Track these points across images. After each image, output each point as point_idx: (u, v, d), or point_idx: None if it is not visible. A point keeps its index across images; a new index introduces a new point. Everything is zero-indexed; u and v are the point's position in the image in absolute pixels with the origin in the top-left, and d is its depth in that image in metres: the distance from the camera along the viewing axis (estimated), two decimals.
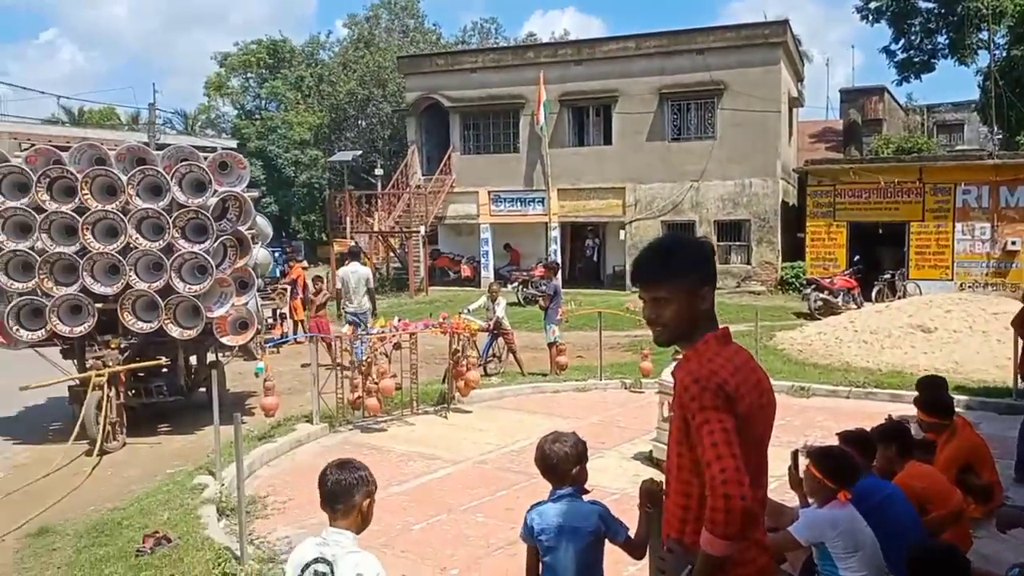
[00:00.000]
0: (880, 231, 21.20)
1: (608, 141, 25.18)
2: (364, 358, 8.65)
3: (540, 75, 24.52)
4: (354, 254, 13.38)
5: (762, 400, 2.33)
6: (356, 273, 12.16)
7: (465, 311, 10.88)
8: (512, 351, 11.84)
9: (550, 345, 11.71)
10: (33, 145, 9.47)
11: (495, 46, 36.75)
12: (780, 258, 23.13)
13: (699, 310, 2.38)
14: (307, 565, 2.68)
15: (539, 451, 3.09)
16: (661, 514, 2.61)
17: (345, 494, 2.72)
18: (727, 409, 2.16)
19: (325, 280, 14.83)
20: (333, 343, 9.42)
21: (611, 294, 21.79)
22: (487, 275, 25.08)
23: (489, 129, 26.68)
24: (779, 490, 4.50)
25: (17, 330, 8.52)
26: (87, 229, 8.44)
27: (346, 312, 12.19)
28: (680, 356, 2.50)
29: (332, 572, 2.62)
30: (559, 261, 19.73)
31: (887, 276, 19.64)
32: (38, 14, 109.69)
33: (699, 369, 2.25)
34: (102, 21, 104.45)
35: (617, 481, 6.48)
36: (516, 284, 21.91)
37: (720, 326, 2.41)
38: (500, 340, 11.88)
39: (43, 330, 8.52)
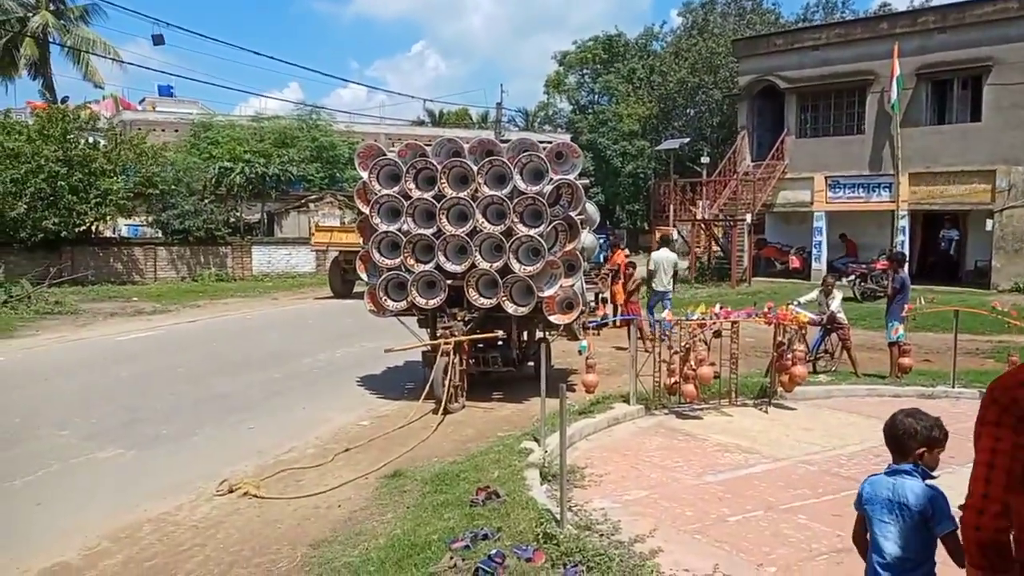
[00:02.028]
0: None
1: (976, 117, 21.93)
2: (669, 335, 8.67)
3: (894, 47, 22.08)
4: (666, 241, 15.39)
5: None
6: (667, 258, 13.73)
7: (795, 303, 10.24)
8: (847, 348, 10.88)
9: (892, 344, 10.53)
10: (404, 143, 10.86)
11: (841, 20, 33.86)
12: None
13: None
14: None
15: (890, 419, 3.00)
16: None
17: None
18: (1012, 426, 1.87)
19: (636, 266, 15.23)
20: (650, 327, 9.49)
21: (971, 292, 18.98)
22: (819, 267, 23.39)
23: (830, 110, 24.75)
24: None
25: (385, 300, 9.88)
26: (443, 214, 9.50)
27: (653, 291, 13.63)
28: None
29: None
30: (906, 253, 17.67)
31: None
32: (411, 30, 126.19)
33: (1008, 379, 1.96)
34: (461, 31, 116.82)
35: None
36: (853, 278, 20.08)
37: None
38: (833, 336, 10.99)
39: (405, 301, 9.77)
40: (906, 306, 10.64)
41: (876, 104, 23.30)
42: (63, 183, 23.43)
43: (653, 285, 13.79)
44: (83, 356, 13.08)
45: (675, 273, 14.02)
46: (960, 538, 2.65)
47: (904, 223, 22.97)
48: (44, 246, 24.01)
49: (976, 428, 1.99)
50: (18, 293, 19.30)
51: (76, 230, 24.76)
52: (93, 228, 26.45)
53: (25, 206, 22.96)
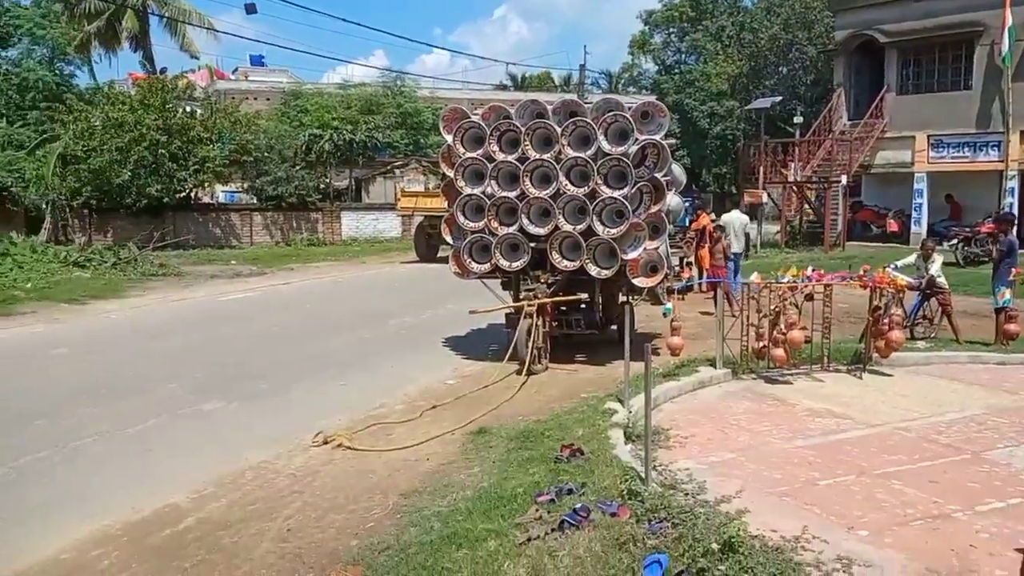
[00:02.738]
0: None
1: None
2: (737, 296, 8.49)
3: None
4: (748, 205, 17.36)
5: None
6: (740, 219, 14.33)
7: (892, 267, 9.82)
8: (947, 314, 10.39)
9: (998, 311, 10.00)
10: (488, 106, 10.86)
11: None
12: None
13: None
14: None
15: None
16: None
17: None
18: None
19: (723, 230, 14.89)
20: (737, 291, 9.30)
21: None
22: (918, 231, 22.31)
23: (933, 64, 23.34)
24: None
25: (470, 263, 9.99)
26: (527, 176, 9.49)
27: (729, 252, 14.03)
28: None
29: None
30: (1015, 214, 16.64)
31: None
32: None
33: None
34: None
35: None
36: (956, 242, 19.06)
37: None
38: (933, 301, 10.51)
39: (488, 264, 9.86)
40: (1014, 270, 10.06)
41: (985, 57, 21.85)
42: (164, 151, 24.55)
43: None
44: (187, 315, 13.80)
45: (747, 234, 14.57)
46: None
47: (1013, 184, 21.59)
48: (148, 212, 25.29)
49: None
50: (125, 256, 20.46)
51: (177, 196, 25.97)
52: (192, 194, 27.67)
53: (129, 173, 24.20)
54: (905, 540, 4.55)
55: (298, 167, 29.01)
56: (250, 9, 24.61)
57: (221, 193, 31.73)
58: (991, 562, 4.29)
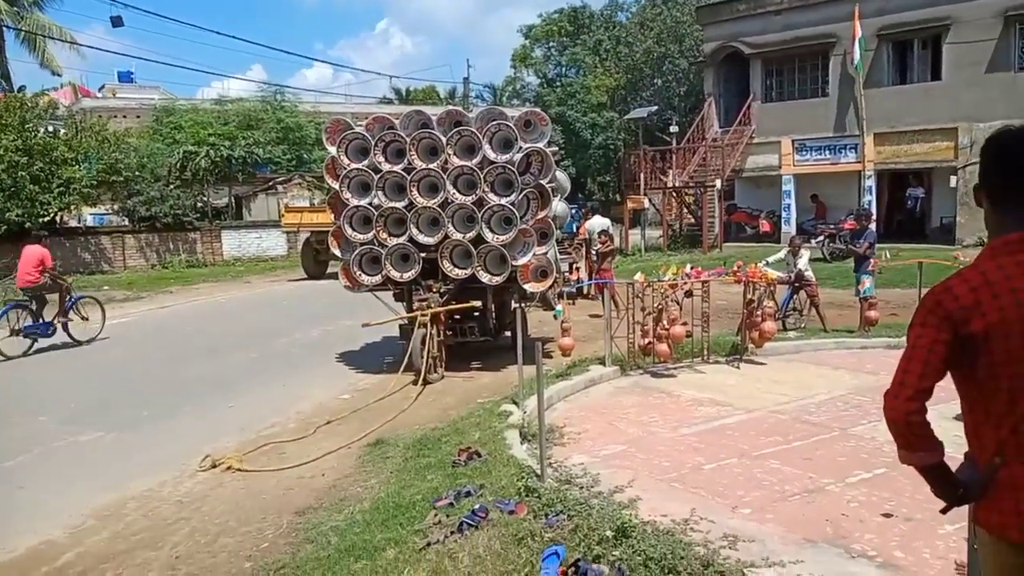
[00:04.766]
0: None
1: (936, 76, 22.24)
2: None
3: (854, 9, 22.26)
4: (595, 210, 18.32)
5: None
6: (600, 224, 15.56)
7: (763, 263, 10.44)
8: (815, 305, 11.12)
9: (862, 299, 10.79)
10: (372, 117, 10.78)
11: None
12: None
13: (988, 214, 2.19)
14: None
15: None
16: None
17: None
18: (935, 325, 2.08)
19: (608, 234, 15.43)
20: (620, 292, 9.63)
21: (936, 249, 19.28)
22: (788, 230, 23.65)
23: (794, 74, 24.93)
24: None
25: (360, 275, 9.88)
26: (414, 186, 9.50)
27: (595, 252, 15.16)
28: None
29: None
30: (874, 212, 18.01)
31: None
32: (375, 8, 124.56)
33: (937, 286, 2.14)
34: (426, 8, 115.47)
35: None
36: (822, 239, 20.39)
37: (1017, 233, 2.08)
38: (802, 294, 11.22)
39: (379, 275, 9.78)
40: (872, 260, 10.87)
41: (839, 67, 23.51)
42: (23, 173, 22.91)
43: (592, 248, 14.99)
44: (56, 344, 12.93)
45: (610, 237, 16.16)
46: None
47: (871, 183, 23.30)
48: (7, 238, 23.52)
49: (907, 332, 2.18)
50: None
51: (40, 221, 24.24)
52: (57, 218, 25.96)
53: None
54: (784, 514, 4.84)
55: (173, 186, 27.75)
56: (116, 21, 23.31)
57: (89, 216, 29.92)
58: (861, 527, 4.62)
